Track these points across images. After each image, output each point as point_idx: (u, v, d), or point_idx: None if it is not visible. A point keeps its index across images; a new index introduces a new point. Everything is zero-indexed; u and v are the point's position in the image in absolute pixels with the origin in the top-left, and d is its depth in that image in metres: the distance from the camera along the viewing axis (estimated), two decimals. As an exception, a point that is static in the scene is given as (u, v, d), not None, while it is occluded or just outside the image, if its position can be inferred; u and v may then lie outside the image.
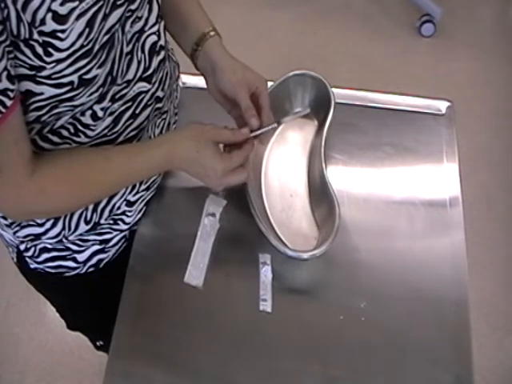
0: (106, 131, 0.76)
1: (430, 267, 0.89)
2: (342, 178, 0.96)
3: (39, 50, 0.58)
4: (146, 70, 0.77)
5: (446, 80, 2.28)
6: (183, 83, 1.06)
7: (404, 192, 0.96)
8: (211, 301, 0.85)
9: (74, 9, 0.58)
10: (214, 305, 0.85)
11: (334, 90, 0.95)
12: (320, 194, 0.90)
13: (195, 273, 0.87)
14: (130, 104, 0.77)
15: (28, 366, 1.74)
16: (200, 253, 0.88)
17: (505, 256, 1.90)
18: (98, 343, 1.28)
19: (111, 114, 0.75)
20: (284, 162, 0.97)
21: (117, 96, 0.74)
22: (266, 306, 0.84)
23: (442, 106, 1.06)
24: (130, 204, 0.88)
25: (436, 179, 0.98)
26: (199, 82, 1.01)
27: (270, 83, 0.89)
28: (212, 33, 0.83)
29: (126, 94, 0.75)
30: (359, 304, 0.85)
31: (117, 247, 0.92)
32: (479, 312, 1.74)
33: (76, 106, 0.67)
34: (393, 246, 0.91)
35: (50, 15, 0.56)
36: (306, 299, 0.87)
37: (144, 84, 0.77)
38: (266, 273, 0.86)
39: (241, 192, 0.89)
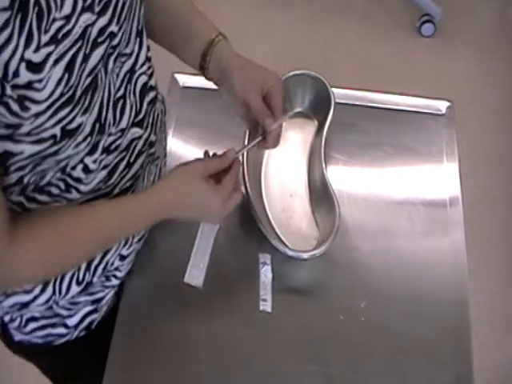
0: (100, 185, 0.70)
1: (430, 267, 0.89)
2: (342, 178, 0.96)
3: (15, 107, 0.51)
4: (137, 114, 0.71)
5: (445, 80, 2.27)
6: (183, 83, 1.06)
7: (404, 192, 0.96)
8: (211, 301, 0.85)
9: (49, 54, 0.51)
10: (213, 305, 0.85)
11: (334, 90, 0.95)
12: (320, 194, 0.90)
13: (195, 273, 0.87)
14: (124, 154, 0.71)
15: (28, 366, 1.73)
16: (200, 253, 0.88)
17: (505, 256, 1.90)
18: None
19: (105, 166, 0.69)
20: (284, 163, 0.97)
21: (111, 147, 0.68)
22: (266, 306, 0.84)
23: (442, 106, 1.06)
24: (123, 258, 0.82)
25: (436, 179, 0.97)
26: (199, 81, 1.01)
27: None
28: (219, 37, 0.79)
29: (120, 144, 0.70)
30: (359, 304, 0.85)
31: (108, 303, 0.86)
32: (479, 312, 1.73)
33: (61, 160, 0.62)
34: (393, 246, 0.91)
35: (23, 65, 0.50)
36: (306, 299, 0.87)
37: (136, 129, 0.72)
38: (266, 273, 0.86)
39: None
